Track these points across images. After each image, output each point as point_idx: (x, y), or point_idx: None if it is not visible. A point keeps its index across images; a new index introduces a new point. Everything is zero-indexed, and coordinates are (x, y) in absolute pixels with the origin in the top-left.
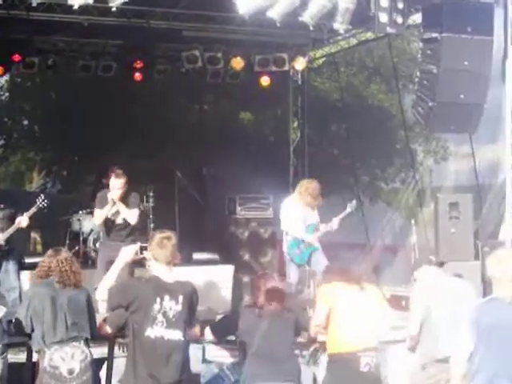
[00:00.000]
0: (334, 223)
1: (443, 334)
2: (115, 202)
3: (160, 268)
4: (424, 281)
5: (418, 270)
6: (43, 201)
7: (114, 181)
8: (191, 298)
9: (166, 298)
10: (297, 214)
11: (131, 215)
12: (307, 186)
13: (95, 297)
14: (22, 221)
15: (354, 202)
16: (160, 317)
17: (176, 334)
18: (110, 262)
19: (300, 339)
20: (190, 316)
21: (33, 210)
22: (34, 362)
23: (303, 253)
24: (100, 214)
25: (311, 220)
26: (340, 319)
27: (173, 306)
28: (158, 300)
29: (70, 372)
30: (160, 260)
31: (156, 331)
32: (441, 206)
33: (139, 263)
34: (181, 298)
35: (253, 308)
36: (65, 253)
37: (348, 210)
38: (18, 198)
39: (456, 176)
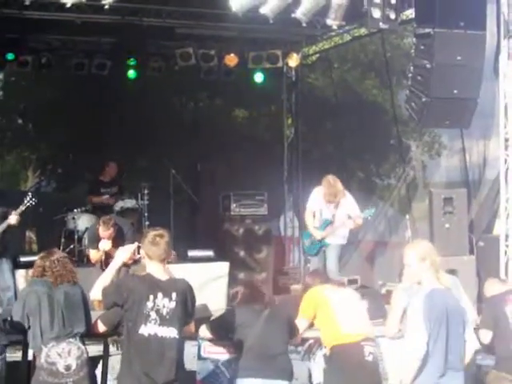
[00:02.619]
0: (347, 222)
1: None
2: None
3: (153, 265)
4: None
5: None
6: (31, 199)
7: (102, 232)
8: (185, 294)
9: (159, 295)
10: (314, 206)
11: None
12: (323, 179)
13: (90, 296)
14: (11, 219)
15: (373, 210)
16: (153, 314)
17: (170, 332)
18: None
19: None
20: (185, 313)
21: (21, 208)
22: (29, 361)
23: (313, 244)
24: (96, 258)
25: (326, 215)
26: (333, 314)
27: (166, 304)
28: (151, 297)
29: (67, 368)
30: (153, 257)
31: (149, 329)
32: (435, 201)
33: (136, 263)
34: (174, 295)
35: (248, 304)
36: (58, 253)
37: (362, 215)
38: (11, 197)
39: (447, 171)
